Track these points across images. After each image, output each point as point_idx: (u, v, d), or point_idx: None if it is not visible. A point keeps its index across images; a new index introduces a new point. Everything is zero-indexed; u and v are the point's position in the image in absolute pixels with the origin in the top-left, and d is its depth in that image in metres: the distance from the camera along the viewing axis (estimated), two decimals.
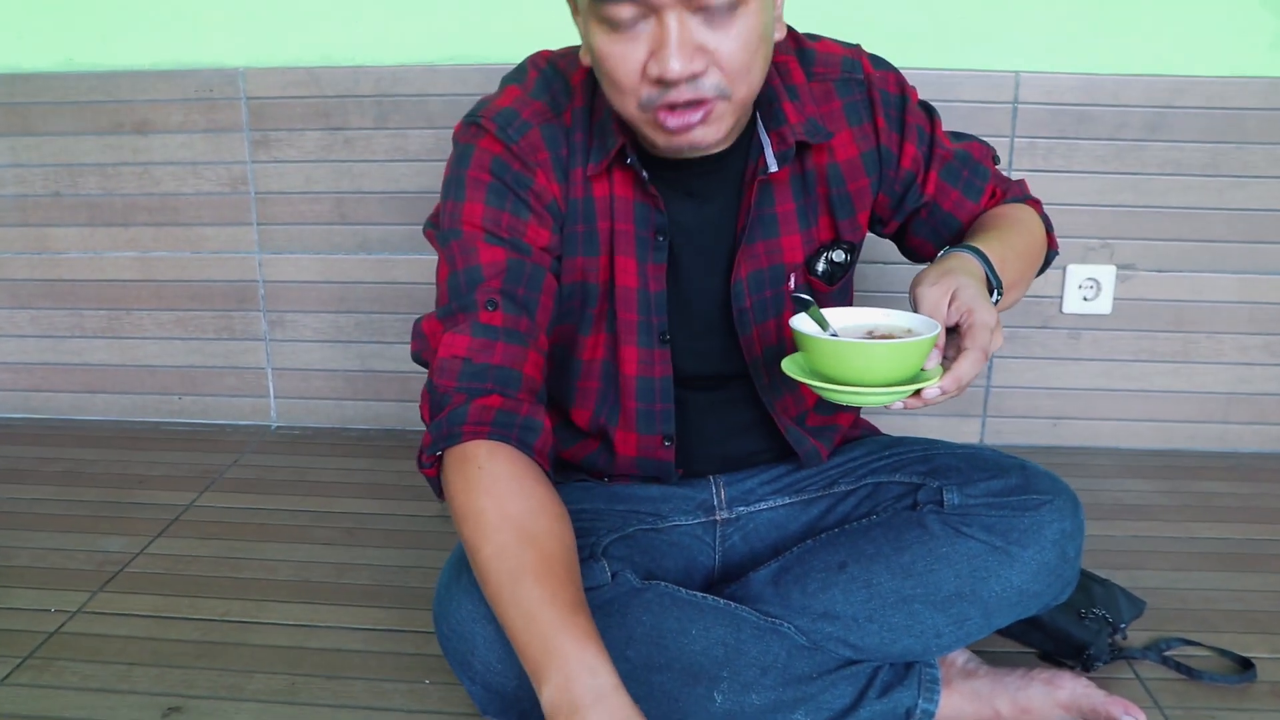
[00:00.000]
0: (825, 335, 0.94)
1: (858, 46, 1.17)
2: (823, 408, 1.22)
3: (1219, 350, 1.90)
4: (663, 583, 1.07)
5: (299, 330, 2.00)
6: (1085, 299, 1.88)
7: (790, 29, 1.13)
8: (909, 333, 0.96)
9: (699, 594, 1.08)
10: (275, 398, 2.05)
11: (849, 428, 1.29)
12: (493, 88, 1.82)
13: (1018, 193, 1.24)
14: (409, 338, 1.97)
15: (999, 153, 1.79)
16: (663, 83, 0.93)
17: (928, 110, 1.19)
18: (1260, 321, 1.88)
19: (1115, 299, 1.88)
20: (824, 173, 1.12)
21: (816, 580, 1.13)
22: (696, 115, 0.95)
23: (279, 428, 2.05)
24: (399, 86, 1.86)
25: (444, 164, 1.85)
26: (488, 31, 1.83)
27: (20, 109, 1.94)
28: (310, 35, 1.87)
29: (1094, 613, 1.31)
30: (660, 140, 0.98)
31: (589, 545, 1.08)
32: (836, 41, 1.16)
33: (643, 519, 1.18)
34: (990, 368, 1.93)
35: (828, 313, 0.98)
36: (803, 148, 1.10)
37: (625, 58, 0.94)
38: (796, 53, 1.13)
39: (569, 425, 1.19)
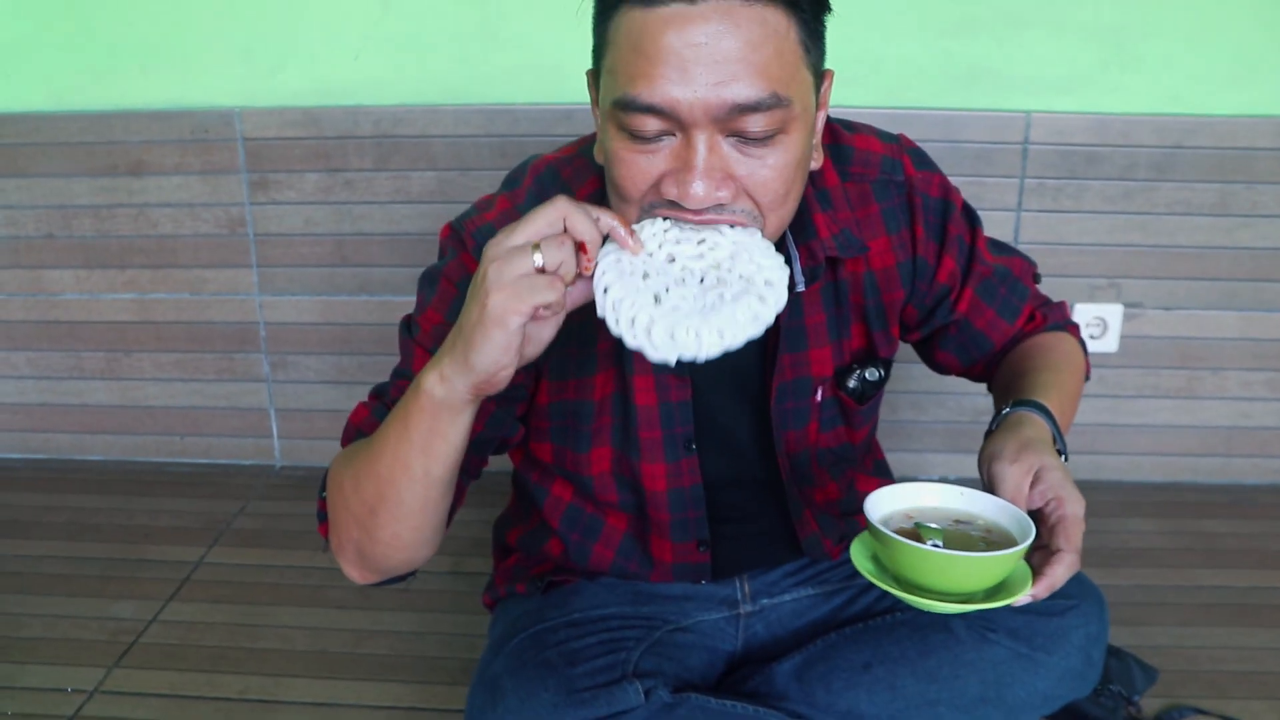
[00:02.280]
0: (923, 545, 0.84)
1: (900, 141, 1.10)
2: (846, 508, 1.22)
3: (1222, 386, 1.91)
4: (694, 695, 1.07)
5: (301, 371, 1.98)
6: (1092, 337, 1.88)
7: (832, 123, 1.06)
8: (991, 527, 0.88)
9: (729, 703, 1.08)
10: (279, 438, 2.03)
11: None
12: (494, 129, 1.82)
13: (1058, 318, 1.19)
14: None
15: (1010, 193, 1.80)
16: (676, 206, 0.86)
17: (970, 218, 1.14)
18: (1263, 358, 1.89)
19: (1122, 337, 1.88)
20: (859, 282, 1.08)
21: (841, 679, 1.14)
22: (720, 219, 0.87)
23: (283, 468, 2.04)
24: (400, 127, 1.83)
25: (446, 205, 1.85)
26: (489, 72, 1.80)
27: (9, 150, 1.89)
28: (308, 75, 1.83)
29: (1110, 689, 1.33)
30: None
31: (620, 663, 1.08)
32: (877, 135, 1.09)
33: (668, 618, 1.18)
34: None
35: (893, 491, 0.91)
36: (835, 259, 1.05)
37: (639, 170, 0.86)
38: (831, 149, 1.06)
39: (600, 537, 1.18)
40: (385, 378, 1.97)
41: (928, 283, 1.11)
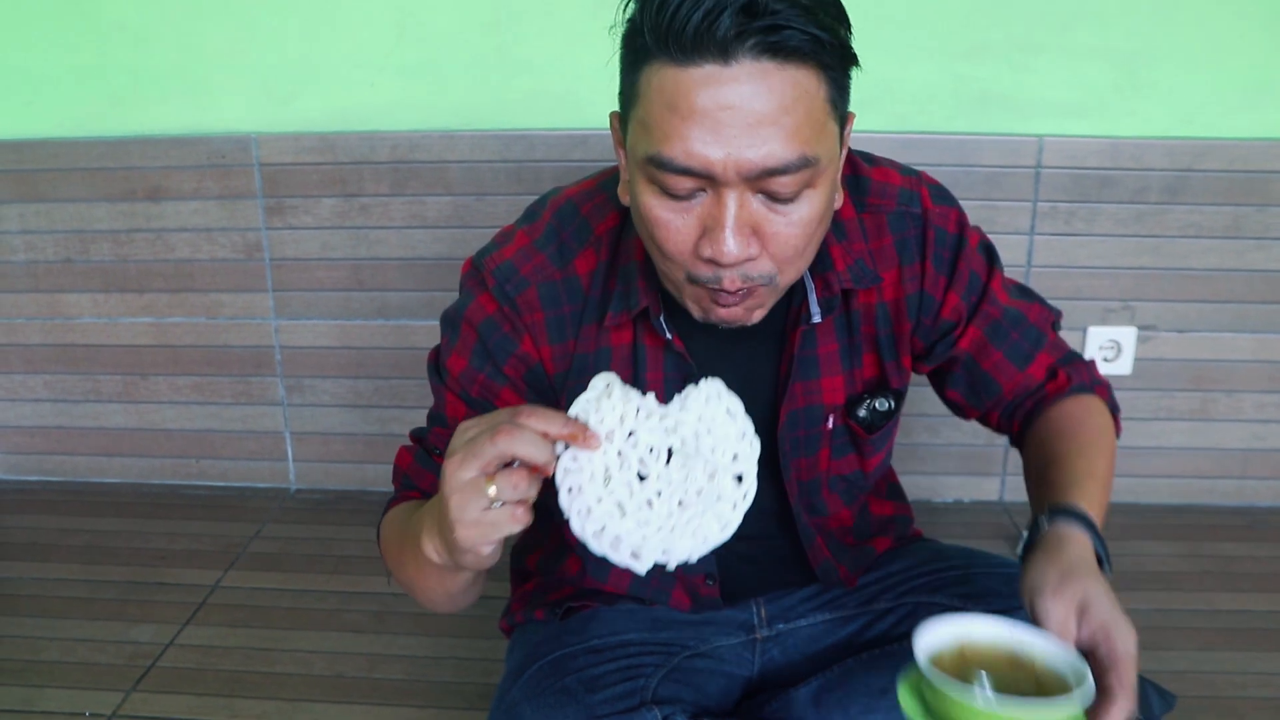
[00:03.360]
0: (981, 699, 0.79)
1: (919, 176, 1.09)
2: (859, 533, 1.22)
3: (1237, 408, 1.91)
4: None
5: (317, 395, 1.99)
6: (1106, 359, 1.88)
7: (854, 155, 1.07)
8: (1043, 670, 0.84)
9: None
10: (294, 461, 2.04)
11: (882, 550, 1.28)
12: (510, 154, 1.84)
13: (1084, 378, 1.13)
14: (429, 404, 1.98)
15: (1023, 217, 1.81)
16: (711, 262, 0.88)
17: (988, 257, 1.11)
18: (1278, 379, 1.89)
19: (1136, 359, 1.88)
20: (871, 313, 1.08)
21: (858, 704, 1.13)
22: (737, 301, 0.91)
23: (298, 491, 2.05)
24: (416, 153, 1.84)
25: (462, 230, 1.86)
26: (505, 97, 1.82)
27: (29, 176, 1.91)
28: (324, 101, 1.84)
29: None
30: (697, 314, 0.96)
31: (638, 690, 1.08)
32: (897, 168, 1.09)
33: (685, 644, 1.18)
34: None
35: (943, 624, 0.88)
36: (844, 295, 1.05)
37: (678, 230, 0.88)
38: (850, 179, 1.05)
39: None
40: (401, 402, 2.01)
41: (932, 317, 1.10)
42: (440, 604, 1.04)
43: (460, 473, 0.80)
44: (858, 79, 0.89)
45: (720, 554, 1.14)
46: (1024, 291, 1.16)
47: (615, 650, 1.13)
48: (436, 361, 1.10)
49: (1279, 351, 1.87)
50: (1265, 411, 1.91)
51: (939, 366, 1.16)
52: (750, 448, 0.84)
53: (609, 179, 1.04)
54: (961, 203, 1.12)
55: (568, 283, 1.03)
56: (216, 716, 1.42)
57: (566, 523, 0.83)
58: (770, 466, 1.13)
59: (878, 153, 1.11)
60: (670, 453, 0.83)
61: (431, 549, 0.89)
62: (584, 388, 1.01)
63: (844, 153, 0.95)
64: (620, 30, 0.88)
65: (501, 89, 1.82)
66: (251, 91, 1.85)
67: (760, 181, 0.83)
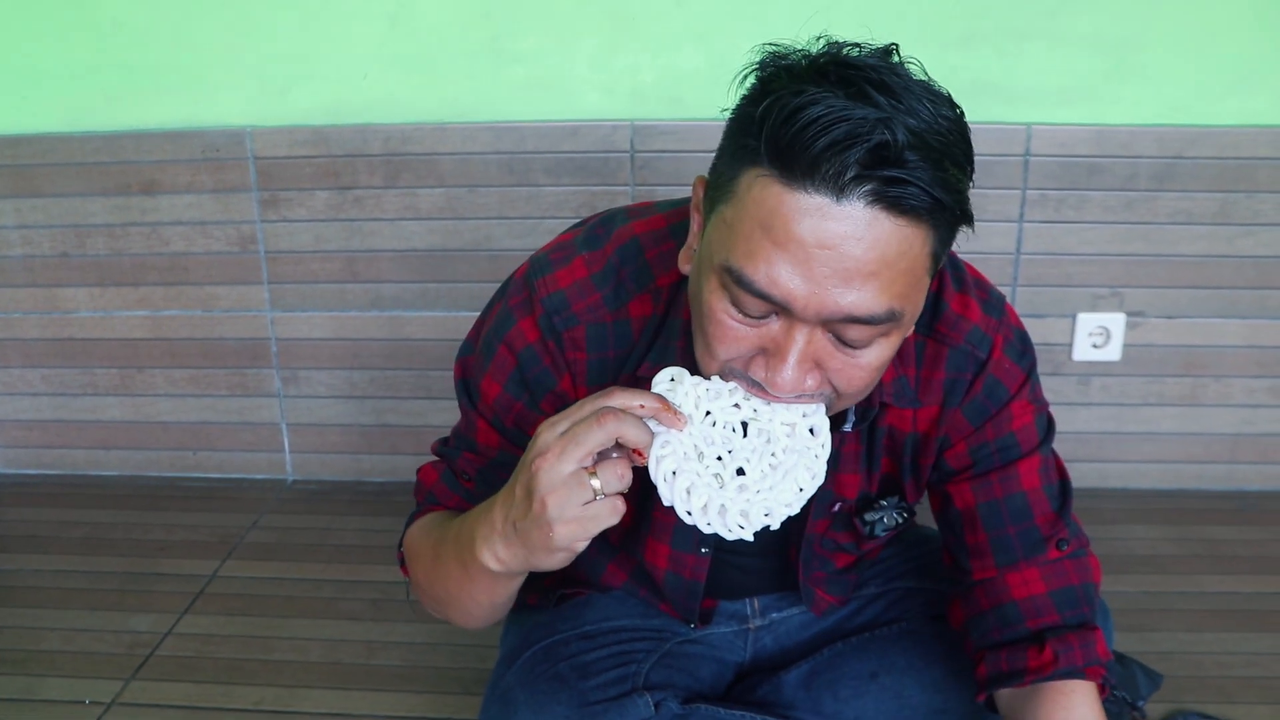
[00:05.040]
0: None
1: (1003, 319, 0.99)
2: (860, 565, 1.22)
3: (1226, 393, 1.92)
4: (704, 705, 1.09)
5: (313, 386, 2.01)
6: (1095, 346, 1.89)
7: (943, 273, 0.97)
8: None
9: (739, 713, 1.10)
10: (290, 452, 2.05)
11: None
12: (501, 146, 1.85)
13: (1076, 659, 0.99)
14: (423, 394, 1.99)
15: (1012, 205, 1.82)
16: (760, 382, 0.82)
17: (1041, 431, 1.02)
18: (1267, 365, 1.90)
19: (1125, 345, 1.89)
20: (900, 438, 1.02)
21: (848, 687, 1.16)
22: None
23: (295, 482, 2.06)
24: (409, 145, 1.85)
25: (455, 222, 1.87)
26: (497, 90, 1.82)
27: (25, 171, 1.92)
28: (317, 95, 1.85)
29: (1114, 695, 1.34)
30: None
31: (630, 676, 1.10)
32: (982, 302, 0.99)
33: (677, 630, 1.20)
34: None
35: None
36: (881, 408, 0.98)
37: (737, 340, 0.81)
38: (929, 298, 0.93)
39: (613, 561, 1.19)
40: (395, 393, 2.02)
41: (937, 459, 1.04)
42: (478, 618, 1.03)
43: (559, 467, 0.79)
44: None
45: (713, 582, 1.16)
46: (1058, 496, 1.04)
47: (608, 636, 1.15)
48: (465, 379, 1.06)
49: (1268, 337, 1.88)
50: (1254, 396, 1.92)
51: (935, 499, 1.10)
52: (814, 408, 0.86)
53: (679, 224, 0.97)
54: (1041, 390, 1.03)
55: (618, 326, 0.97)
56: (215, 704, 1.43)
57: (670, 507, 0.84)
58: (772, 545, 1.06)
59: None
60: (744, 425, 0.85)
61: (492, 557, 0.87)
62: None
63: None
64: (732, 109, 0.82)
65: (493, 81, 1.82)
66: (245, 85, 1.86)
67: (837, 326, 0.79)
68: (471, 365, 1.05)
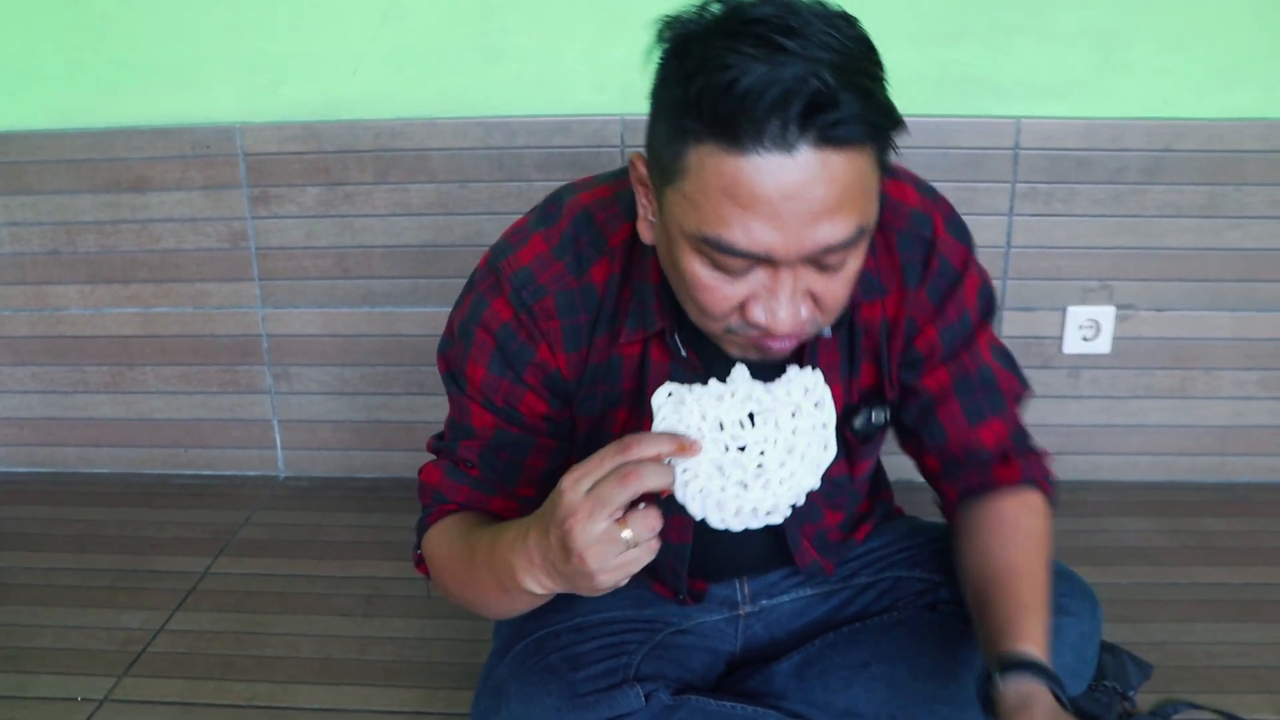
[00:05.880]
0: None
1: (937, 199, 1.06)
2: (844, 528, 1.23)
3: (1216, 386, 1.93)
4: (694, 697, 1.09)
5: (304, 383, 2.00)
6: (1085, 339, 1.90)
7: None
8: None
9: (729, 704, 1.11)
10: (282, 449, 2.05)
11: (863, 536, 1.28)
12: (492, 141, 1.85)
13: (1035, 473, 1.11)
14: (415, 390, 1.99)
15: (1002, 198, 1.82)
16: (760, 325, 0.87)
17: (985, 307, 1.09)
18: (1256, 357, 1.91)
19: (1115, 338, 1.90)
20: (874, 328, 1.06)
21: (840, 677, 1.16)
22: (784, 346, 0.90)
23: (287, 478, 2.06)
24: (399, 141, 1.85)
25: (446, 217, 1.87)
26: (487, 85, 1.82)
27: (14, 167, 1.92)
28: (307, 90, 1.85)
29: (1105, 685, 1.35)
30: (736, 354, 0.94)
31: (621, 668, 1.10)
32: (915, 185, 1.06)
33: (669, 621, 1.20)
34: None
35: None
36: (851, 307, 1.02)
37: (726, 296, 0.86)
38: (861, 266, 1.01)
39: None
40: (387, 389, 2.02)
41: (906, 345, 1.08)
42: (516, 615, 1.09)
43: (591, 527, 0.83)
44: None
45: (703, 564, 1.16)
46: (1005, 356, 1.13)
47: (599, 628, 1.15)
48: (450, 370, 1.09)
49: (1256, 329, 1.89)
50: (1243, 389, 1.93)
51: (899, 395, 1.13)
52: (809, 377, 0.89)
53: (624, 191, 1.01)
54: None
55: (584, 291, 1.02)
56: (207, 699, 1.43)
57: (702, 521, 0.88)
58: None
59: None
60: (751, 417, 0.87)
61: (536, 584, 0.92)
62: (594, 394, 1.06)
63: None
64: (652, 90, 0.86)
65: (483, 76, 1.82)
66: (235, 81, 1.86)
67: (818, 258, 0.84)
68: (454, 356, 1.07)
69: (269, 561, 1.77)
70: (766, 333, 0.87)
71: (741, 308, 0.87)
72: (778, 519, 0.88)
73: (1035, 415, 1.92)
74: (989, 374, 1.10)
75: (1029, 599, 1.01)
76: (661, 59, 0.85)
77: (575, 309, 1.02)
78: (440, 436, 1.13)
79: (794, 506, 0.88)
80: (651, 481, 0.83)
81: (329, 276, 1.93)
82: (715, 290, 0.86)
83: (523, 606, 1.02)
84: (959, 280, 1.06)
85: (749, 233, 0.81)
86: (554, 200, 1.06)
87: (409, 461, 2.03)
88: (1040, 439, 1.98)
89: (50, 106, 1.89)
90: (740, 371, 0.89)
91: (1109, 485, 1.97)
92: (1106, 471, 1.99)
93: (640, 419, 1.06)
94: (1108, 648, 1.40)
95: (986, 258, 1.81)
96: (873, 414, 1.10)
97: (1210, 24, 1.75)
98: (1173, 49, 1.76)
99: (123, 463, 2.09)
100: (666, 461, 0.85)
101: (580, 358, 1.04)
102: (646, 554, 0.85)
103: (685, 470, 0.86)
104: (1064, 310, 1.89)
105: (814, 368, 0.92)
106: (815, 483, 0.89)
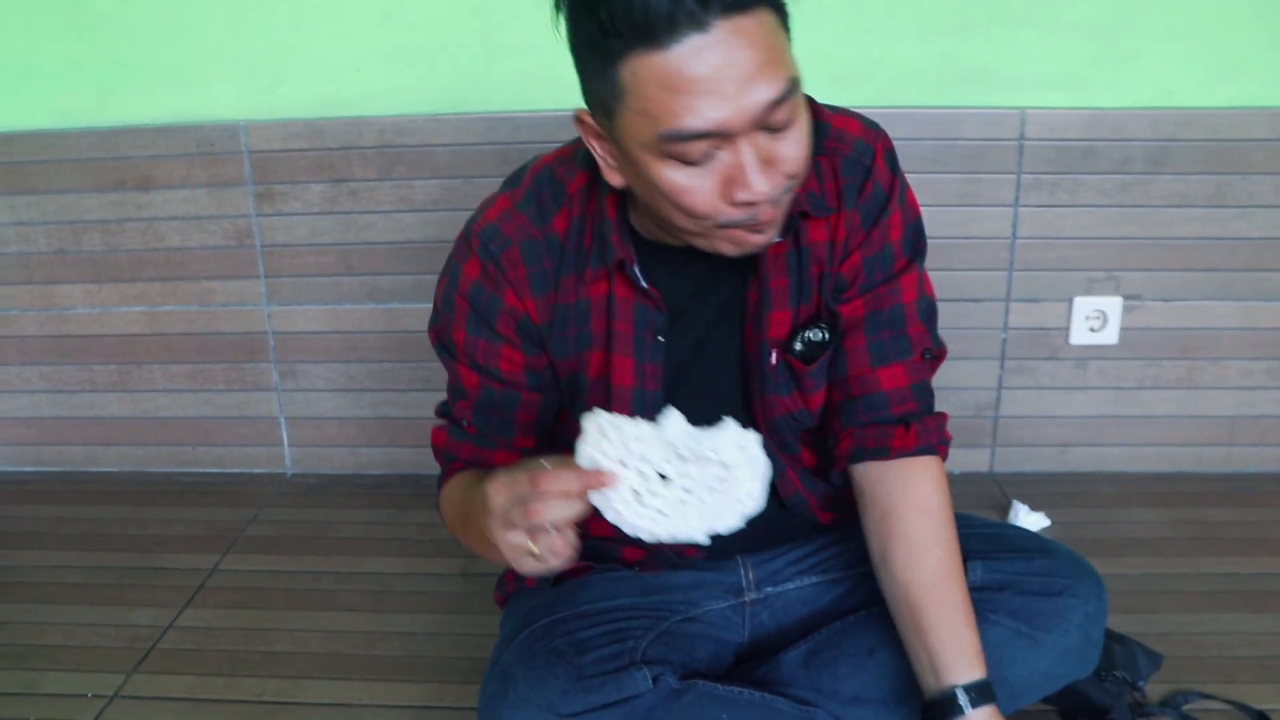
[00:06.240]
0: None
1: (880, 133, 1.12)
2: (819, 473, 1.23)
3: (1223, 376, 1.92)
4: (701, 681, 1.09)
5: (311, 380, 2.01)
6: (1092, 330, 1.90)
7: (812, 101, 1.09)
8: None
9: (736, 689, 1.11)
10: (289, 446, 2.06)
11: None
12: (496, 137, 1.85)
13: (932, 438, 1.13)
14: (421, 386, 1.99)
15: (1007, 189, 1.82)
16: (747, 204, 0.93)
17: (914, 246, 1.13)
18: (1263, 346, 1.90)
19: (1122, 328, 1.90)
20: (821, 251, 1.10)
21: (847, 664, 1.16)
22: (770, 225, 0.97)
23: (294, 475, 2.06)
24: (403, 137, 1.85)
25: (450, 213, 1.87)
26: (490, 81, 1.82)
27: (20, 167, 1.92)
28: (311, 88, 1.85)
29: (1114, 675, 1.34)
30: (731, 250, 0.99)
31: (628, 651, 1.10)
32: (860, 119, 1.12)
33: (675, 609, 1.20)
34: (998, 398, 1.95)
35: None
36: (802, 218, 1.08)
37: (703, 191, 0.92)
38: (812, 125, 1.07)
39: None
40: (393, 385, 2.02)
41: (836, 267, 1.11)
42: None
43: (506, 536, 0.92)
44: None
45: None
46: (928, 309, 1.16)
47: (605, 615, 1.16)
48: (440, 341, 1.17)
49: (1264, 319, 1.89)
50: (1251, 379, 1.92)
51: None
52: (741, 435, 0.92)
53: (582, 149, 1.08)
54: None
55: (547, 240, 1.08)
56: (216, 695, 1.43)
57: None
58: (735, 408, 1.14)
59: None
60: (677, 454, 0.92)
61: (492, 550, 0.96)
62: (566, 338, 1.10)
63: None
64: (568, 37, 0.93)
65: (486, 72, 1.83)
66: (239, 79, 1.86)
67: (764, 118, 0.89)
68: (441, 327, 1.15)
69: (276, 558, 1.77)
70: (754, 218, 0.94)
71: (723, 196, 0.92)
72: (705, 541, 0.92)
73: (1042, 406, 1.94)
74: (899, 315, 1.13)
75: (960, 618, 1.07)
76: (567, 13, 0.93)
77: (540, 255, 1.09)
78: (444, 403, 1.21)
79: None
80: (555, 516, 0.89)
81: (334, 273, 1.94)
82: (692, 189, 0.92)
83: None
84: (886, 206, 1.10)
85: (698, 113, 0.87)
86: (520, 169, 1.15)
87: (416, 458, 2.05)
88: (1047, 429, 1.99)
89: (54, 106, 1.89)
90: (673, 414, 0.92)
91: (1116, 476, 1.96)
92: (1114, 463, 1.98)
93: (609, 362, 1.11)
94: (1118, 638, 1.40)
95: (991, 249, 1.85)
96: (809, 333, 1.13)
97: (1215, 13, 1.75)
98: (1177, 38, 1.76)
99: (130, 461, 2.09)
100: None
101: (548, 301, 1.09)
102: (558, 561, 0.91)
103: (604, 497, 0.90)
104: (1070, 301, 1.88)
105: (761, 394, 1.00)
106: (738, 523, 0.93)
